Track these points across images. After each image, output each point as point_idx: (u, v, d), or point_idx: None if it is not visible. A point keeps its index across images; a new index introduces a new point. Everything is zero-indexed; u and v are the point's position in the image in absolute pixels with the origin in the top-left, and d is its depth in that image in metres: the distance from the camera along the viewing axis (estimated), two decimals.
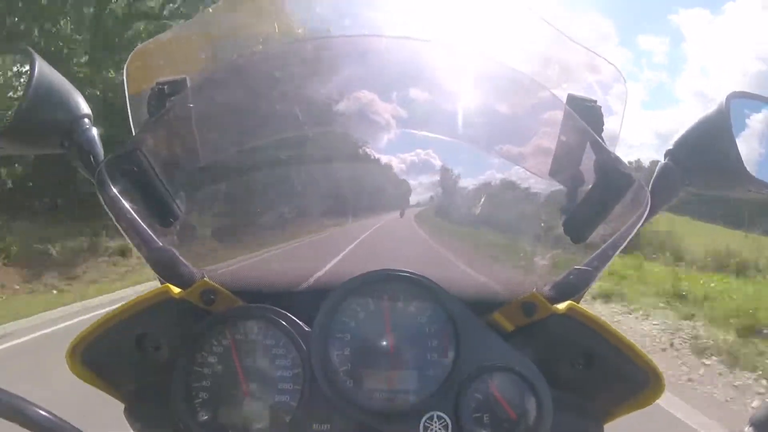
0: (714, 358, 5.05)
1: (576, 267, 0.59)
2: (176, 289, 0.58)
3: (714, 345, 5.30)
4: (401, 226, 0.65)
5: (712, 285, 8.25)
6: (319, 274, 0.64)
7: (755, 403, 3.99)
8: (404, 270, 0.58)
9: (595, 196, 0.55)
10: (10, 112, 0.62)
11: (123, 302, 0.58)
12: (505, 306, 0.58)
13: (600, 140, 0.56)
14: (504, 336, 0.57)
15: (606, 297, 7.94)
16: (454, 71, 0.59)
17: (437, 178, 0.63)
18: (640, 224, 0.57)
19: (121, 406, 0.62)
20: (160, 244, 0.58)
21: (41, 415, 0.45)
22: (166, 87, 0.58)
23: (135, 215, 0.58)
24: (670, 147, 0.63)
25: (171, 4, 15.88)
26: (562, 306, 0.58)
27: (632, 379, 0.59)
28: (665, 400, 3.57)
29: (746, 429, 0.51)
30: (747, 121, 0.60)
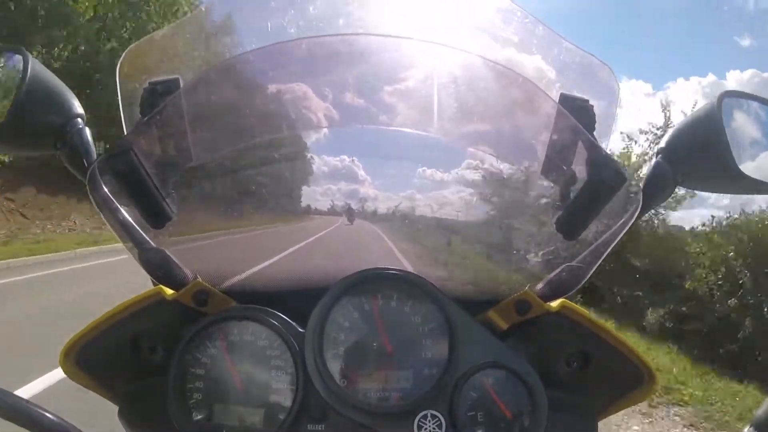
0: None
1: (568, 264, 0.60)
2: (169, 291, 0.58)
3: None
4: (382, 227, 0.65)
5: None
6: (311, 268, 0.64)
7: None
8: (398, 269, 0.58)
9: (587, 193, 0.56)
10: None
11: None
12: (498, 304, 0.59)
13: (592, 139, 0.56)
14: (498, 334, 0.57)
15: None
16: (446, 70, 0.59)
17: (427, 177, 0.63)
18: (632, 222, 0.57)
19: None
20: (153, 245, 0.58)
21: (41, 415, 0.44)
22: (158, 87, 0.58)
23: (127, 216, 0.58)
24: (663, 145, 0.63)
25: None
26: (555, 304, 0.58)
27: (626, 376, 0.59)
28: None
29: (747, 429, 0.51)
30: (739, 119, 0.61)
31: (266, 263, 0.65)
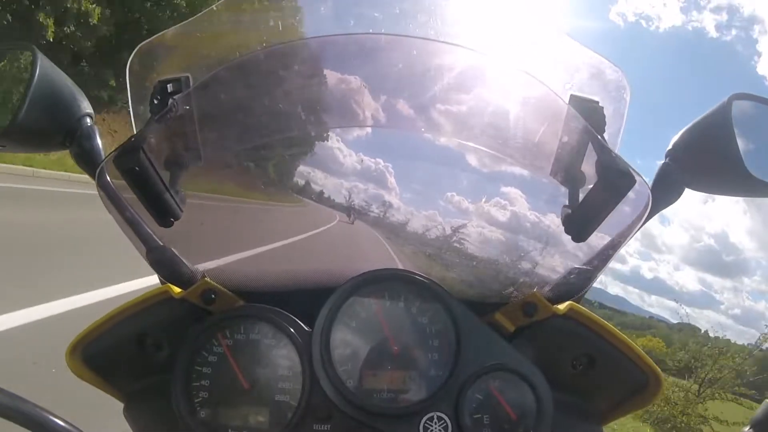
0: None
1: (576, 267, 0.59)
2: (176, 289, 0.58)
3: None
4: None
5: None
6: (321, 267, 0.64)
7: None
8: (406, 270, 0.58)
9: (596, 195, 0.55)
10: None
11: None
12: (505, 306, 0.58)
13: (602, 140, 0.56)
14: (505, 337, 0.57)
15: None
16: (456, 71, 0.59)
17: (453, 203, 0.64)
18: (640, 224, 0.57)
19: (121, 405, 0.62)
20: (160, 243, 0.58)
21: (41, 415, 0.44)
22: (168, 85, 0.58)
23: (135, 214, 0.58)
24: (671, 147, 0.63)
25: None
26: (562, 306, 0.58)
27: (632, 380, 0.59)
28: None
29: (746, 429, 0.51)
30: (748, 122, 0.60)
31: (264, 247, 0.65)
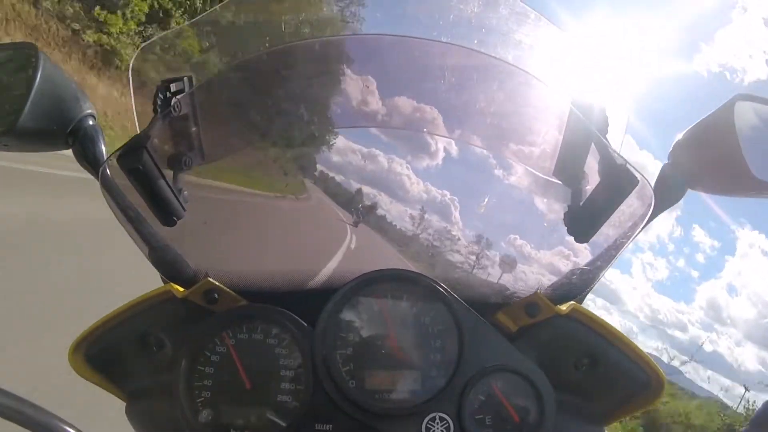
0: None
1: (579, 267, 0.59)
2: (179, 289, 0.58)
3: None
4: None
5: None
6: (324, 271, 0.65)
7: None
8: (408, 270, 0.58)
9: (599, 195, 0.55)
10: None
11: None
12: (508, 306, 0.58)
13: (605, 140, 0.56)
14: (508, 337, 0.57)
15: None
16: (459, 72, 0.59)
17: (515, 246, 0.64)
18: (643, 224, 0.57)
19: (123, 405, 0.62)
20: (164, 242, 0.58)
21: (41, 415, 0.44)
22: (171, 85, 0.58)
23: (139, 213, 0.58)
24: (673, 147, 0.63)
25: None
26: (564, 307, 0.58)
27: (634, 381, 0.59)
28: None
29: (745, 429, 0.51)
30: (751, 123, 0.60)
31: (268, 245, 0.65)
